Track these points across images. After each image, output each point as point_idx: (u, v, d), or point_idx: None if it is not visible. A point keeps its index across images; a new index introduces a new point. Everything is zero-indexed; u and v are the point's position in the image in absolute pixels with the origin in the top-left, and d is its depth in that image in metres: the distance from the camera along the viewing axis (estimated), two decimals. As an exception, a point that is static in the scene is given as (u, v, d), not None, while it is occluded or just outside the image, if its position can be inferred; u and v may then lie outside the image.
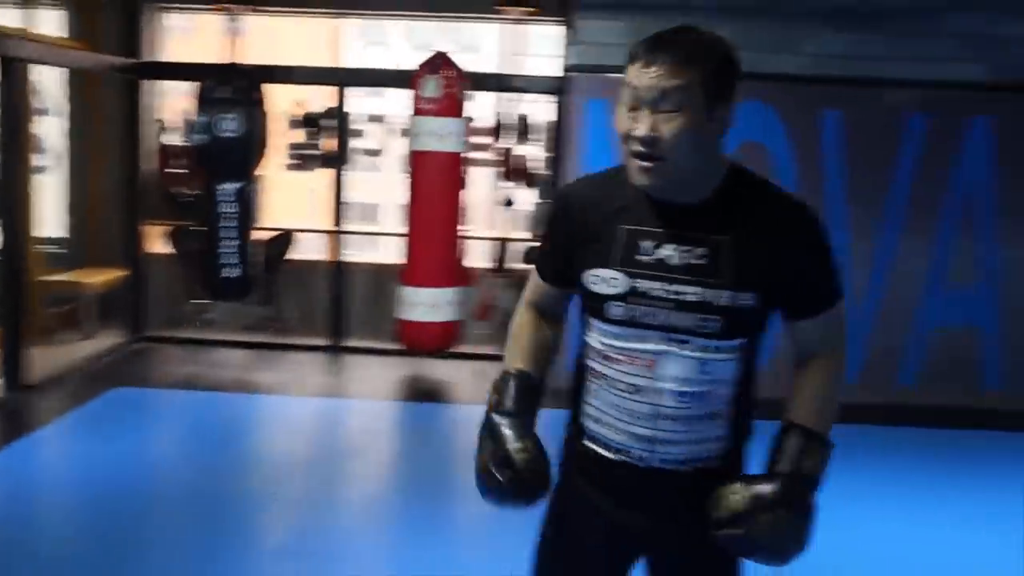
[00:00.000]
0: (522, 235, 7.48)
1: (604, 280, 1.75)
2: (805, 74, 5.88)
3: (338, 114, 6.83)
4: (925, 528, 4.26)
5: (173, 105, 7.32)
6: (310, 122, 7.07)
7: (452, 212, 6.22)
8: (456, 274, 6.34)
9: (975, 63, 5.84)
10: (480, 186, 7.00)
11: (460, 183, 6.29)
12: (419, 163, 6.11)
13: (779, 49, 5.84)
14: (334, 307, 7.03)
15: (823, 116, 5.92)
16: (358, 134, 8.23)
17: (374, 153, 8.29)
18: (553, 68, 6.74)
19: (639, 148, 1.65)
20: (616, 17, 5.87)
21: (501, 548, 3.85)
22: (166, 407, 5.82)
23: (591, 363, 1.83)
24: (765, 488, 1.70)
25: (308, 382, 6.40)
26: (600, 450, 1.84)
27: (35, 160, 7.10)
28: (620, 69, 5.68)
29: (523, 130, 6.93)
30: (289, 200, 7.81)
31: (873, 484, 4.67)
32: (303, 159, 7.19)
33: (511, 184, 7.16)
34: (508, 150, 6.92)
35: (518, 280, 7.02)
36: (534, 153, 7.14)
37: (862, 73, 5.89)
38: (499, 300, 7.11)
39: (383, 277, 7.56)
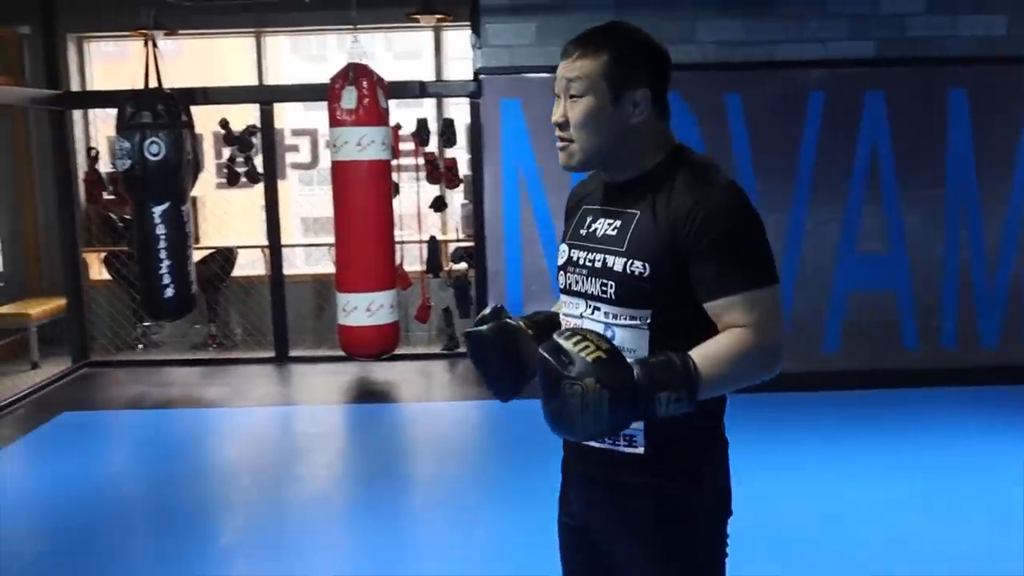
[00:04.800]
0: (454, 236, 7.69)
1: (560, 254, 1.95)
2: (706, 61, 6.14)
3: (262, 130, 6.98)
4: (854, 484, 4.49)
5: (109, 132, 7.47)
6: (235, 140, 7.24)
7: (381, 218, 6.39)
8: (390, 278, 6.51)
9: (862, 41, 6.14)
10: (413, 190, 7.17)
11: (388, 189, 6.47)
12: (342, 173, 6.29)
13: (680, 39, 6.09)
14: (277, 319, 7.19)
15: (727, 99, 6.18)
16: (293, 149, 8.42)
17: (308, 167, 8.45)
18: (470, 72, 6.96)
19: (557, 131, 1.84)
20: (519, 19, 6.11)
21: (452, 536, 4.08)
22: (116, 427, 5.96)
23: None
24: (608, 355, 1.62)
25: (255, 393, 6.55)
26: None
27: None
28: (528, 69, 5.96)
29: (448, 133, 7.13)
30: (237, 217, 7.96)
31: (804, 449, 4.93)
32: (233, 176, 7.36)
33: (440, 187, 7.37)
34: (433, 153, 7.11)
35: (454, 281, 7.23)
36: (460, 156, 7.35)
37: (758, 57, 6.17)
38: (436, 301, 7.31)
39: (324, 287, 7.76)
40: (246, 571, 3.83)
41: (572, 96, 1.80)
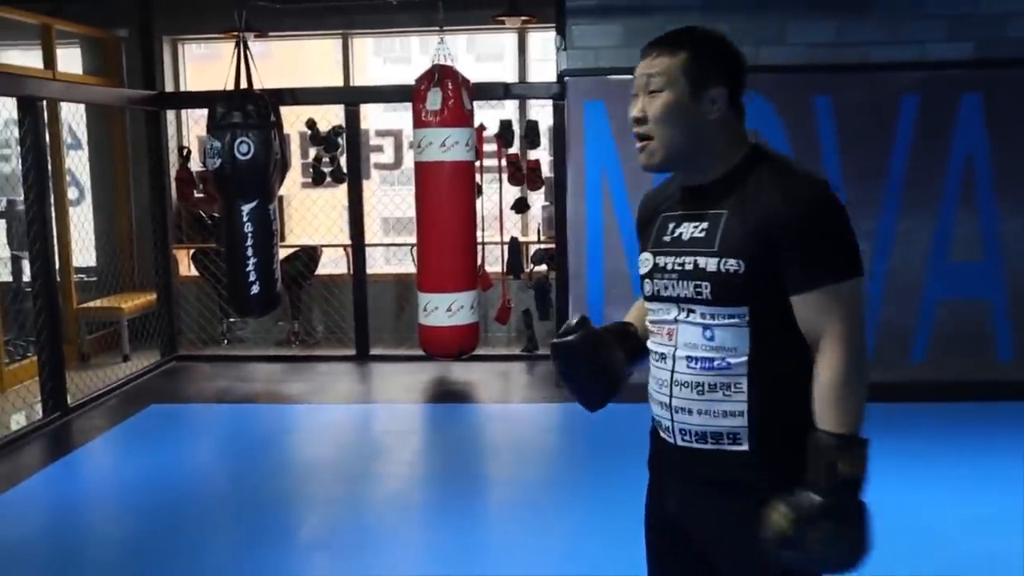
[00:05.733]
0: (535, 238, 7.69)
1: (642, 263, 1.97)
2: (796, 63, 6.03)
3: (347, 131, 7.07)
4: (944, 500, 4.36)
5: (201, 131, 7.66)
6: (321, 140, 7.36)
7: (463, 219, 6.42)
8: (471, 278, 6.53)
9: (960, 42, 5.95)
10: (495, 191, 7.19)
11: (470, 190, 6.50)
12: (425, 173, 6.33)
13: (769, 41, 5.99)
14: (358, 318, 7.27)
15: (815, 102, 6.05)
16: (377, 149, 8.52)
17: (391, 167, 8.53)
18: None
19: (634, 128, 1.88)
20: (605, 22, 6.08)
21: (527, 537, 4.08)
22: (202, 420, 6.10)
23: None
24: (805, 503, 1.71)
25: (336, 390, 6.64)
26: (654, 430, 1.99)
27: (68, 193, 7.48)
28: (612, 71, 5.91)
29: (532, 135, 7.13)
30: (321, 216, 8.07)
31: (895, 462, 4.77)
32: (319, 176, 7.47)
33: (522, 189, 7.37)
34: (516, 155, 7.11)
35: (535, 282, 7.23)
36: (543, 157, 7.34)
37: (850, 59, 6.02)
38: (516, 302, 7.32)
39: (404, 287, 7.83)
40: (323, 566, 3.88)
41: (651, 92, 1.85)
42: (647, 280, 1.94)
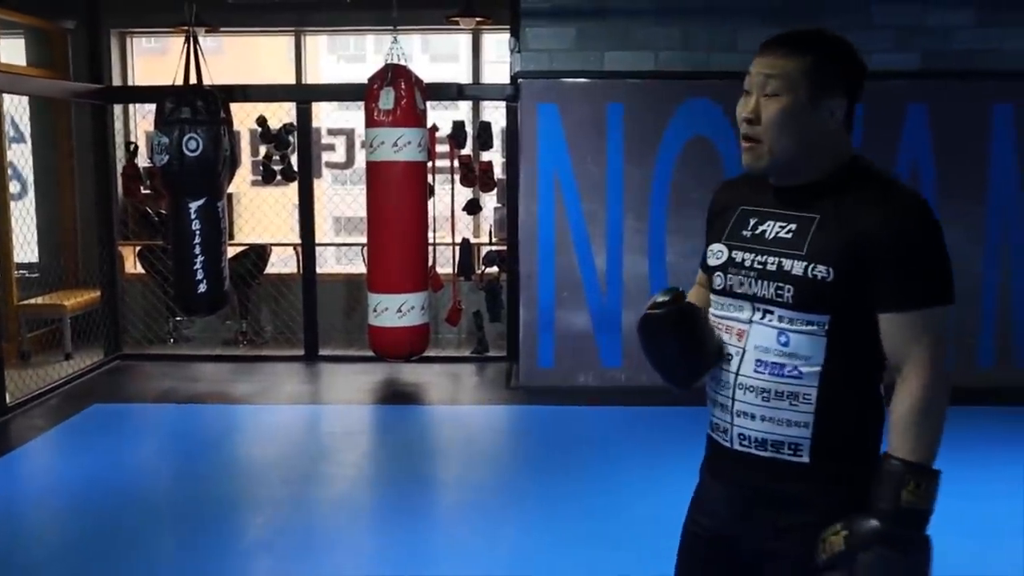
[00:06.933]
0: (487, 240, 7.68)
1: (713, 253, 1.91)
2: (746, 70, 6.08)
3: (298, 129, 7.01)
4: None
5: (148, 127, 7.52)
6: (271, 138, 7.28)
7: (414, 219, 6.39)
8: (422, 279, 6.51)
9: (907, 53, 6.06)
10: (447, 192, 7.16)
11: (422, 191, 6.47)
12: (377, 173, 6.29)
13: (721, 47, 6.04)
14: (307, 318, 7.20)
15: (766, 110, 6.11)
16: (329, 148, 8.45)
17: (343, 166, 8.47)
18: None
19: (743, 128, 1.80)
20: (559, 24, 6.09)
21: (476, 539, 4.07)
22: (146, 420, 6.00)
23: None
24: (864, 525, 1.69)
25: (284, 391, 6.56)
26: (711, 432, 1.93)
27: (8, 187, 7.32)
28: (566, 74, 5.91)
29: (485, 136, 7.12)
30: (271, 215, 7.99)
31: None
32: (269, 174, 7.39)
33: (474, 190, 7.35)
34: (469, 156, 7.10)
35: (485, 284, 7.21)
36: (496, 159, 7.33)
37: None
38: (467, 304, 7.30)
39: (355, 287, 7.77)
40: (269, 568, 3.84)
41: (768, 94, 1.77)
42: (718, 273, 1.89)
